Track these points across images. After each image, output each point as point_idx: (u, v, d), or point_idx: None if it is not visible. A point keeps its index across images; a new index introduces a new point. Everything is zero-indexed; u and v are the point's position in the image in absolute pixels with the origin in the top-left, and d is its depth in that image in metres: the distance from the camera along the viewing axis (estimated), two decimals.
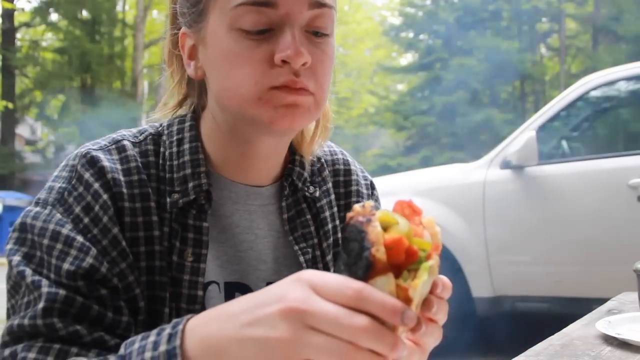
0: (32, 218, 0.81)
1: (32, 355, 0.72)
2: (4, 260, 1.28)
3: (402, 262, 0.55)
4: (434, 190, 4.27)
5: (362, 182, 1.07)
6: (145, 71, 20.75)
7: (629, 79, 4.19)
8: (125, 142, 0.88)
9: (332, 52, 0.86)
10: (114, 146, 0.87)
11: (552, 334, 1.27)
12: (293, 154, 0.97)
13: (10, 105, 18.17)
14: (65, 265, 0.76)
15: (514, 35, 20.09)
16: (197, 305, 0.84)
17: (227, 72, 0.82)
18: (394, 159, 18.89)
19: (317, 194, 0.99)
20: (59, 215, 0.80)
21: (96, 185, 0.82)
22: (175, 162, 0.88)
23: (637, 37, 16.55)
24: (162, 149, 0.90)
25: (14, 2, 20.21)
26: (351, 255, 0.55)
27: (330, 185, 1.02)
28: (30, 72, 22.20)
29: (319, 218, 0.98)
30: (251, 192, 0.93)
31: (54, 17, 22.38)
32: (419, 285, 0.54)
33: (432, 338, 0.63)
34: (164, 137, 0.91)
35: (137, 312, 0.81)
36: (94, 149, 0.85)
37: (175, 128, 0.92)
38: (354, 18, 24.20)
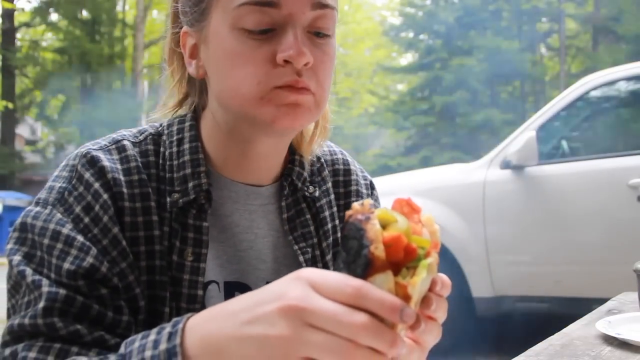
0: (33, 218, 0.81)
1: (32, 354, 0.72)
2: (4, 260, 1.28)
3: (401, 260, 0.55)
4: (434, 190, 4.27)
5: (362, 182, 1.07)
6: (145, 71, 20.76)
7: (629, 79, 4.19)
8: (125, 142, 0.88)
9: (333, 53, 0.86)
10: (114, 146, 0.87)
11: (552, 334, 1.27)
12: (293, 154, 0.98)
13: (10, 105, 18.19)
14: (66, 265, 0.77)
15: (514, 35, 20.07)
16: (197, 305, 0.84)
17: (229, 71, 0.82)
18: (394, 159, 18.89)
19: (317, 193, 0.99)
20: (59, 215, 0.80)
21: (96, 185, 0.82)
22: (175, 162, 0.88)
23: (637, 37, 16.55)
24: (162, 149, 0.90)
25: (14, 2, 20.22)
26: (350, 253, 0.55)
27: (329, 185, 1.02)
28: (30, 72, 22.22)
29: (318, 218, 0.98)
30: (251, 192, 0.93)
31: (54, 17, 22.42)
32: (417, 283, 0.54)
33: (432, 336, 0.63)
34: (164, 137, 0.91)
35: (137, 312, 0.81)
36: (94, 149, 0.86)
37: (175, 128, 0.92)
38: (354, 18, 24.21)
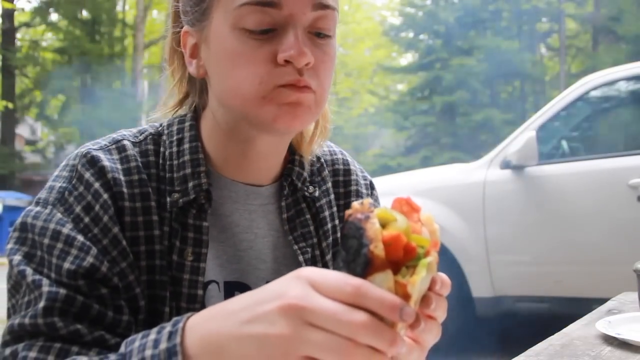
0: (33, 218, 0.81)
1: (32, 354, 0.72)
2: (4, 259, 1.28)
3: (401, 259, 0.55)
4: (434, 190, 4.27)
5: (362, 182, 1.07)
6: (145, 71, 20.75)
7: (629, 79, 4.19)
8: (126, 142, 0.88)
9: (334, 54, 0.86)
10: (114, 146, 0.87)
11: (552, 334, 1.27)
12: (292, 153, 0.98)
13: (10, 105, 18.20)
14: (66, 265, 0.77)
15: (514, 35, 20.10)
16: (197, 305, 0.84)
17: (230, 71, 0.82)
18: (394, 159, 18.90)
19: (317, 193, 0.99)
20: (59, 215, 0.81)
21: (96, 185, 0.82)
22: (175, 162, 0.89)
23: (637, 37, 16.55)
24: (162, 149, 0.90)
25: (14, 2, 20.22)
26: (350, 252, 0.55)
27: (329, 185, 1.02)
28: (30, 72, 22.21)
29: (318, 218, 0.98)
30: (251, 192, 0.93)
31: (54, 17, 22.43)
32: (417, 282, 0.54)
33: (431, 335, 0.64)
34: (164, 137, 0.91)
35: (137, 311, 0.81)
36: (94, 149, 0.86)
37: (175, 128, 0.92)
38: (354, 18, 24.21)
